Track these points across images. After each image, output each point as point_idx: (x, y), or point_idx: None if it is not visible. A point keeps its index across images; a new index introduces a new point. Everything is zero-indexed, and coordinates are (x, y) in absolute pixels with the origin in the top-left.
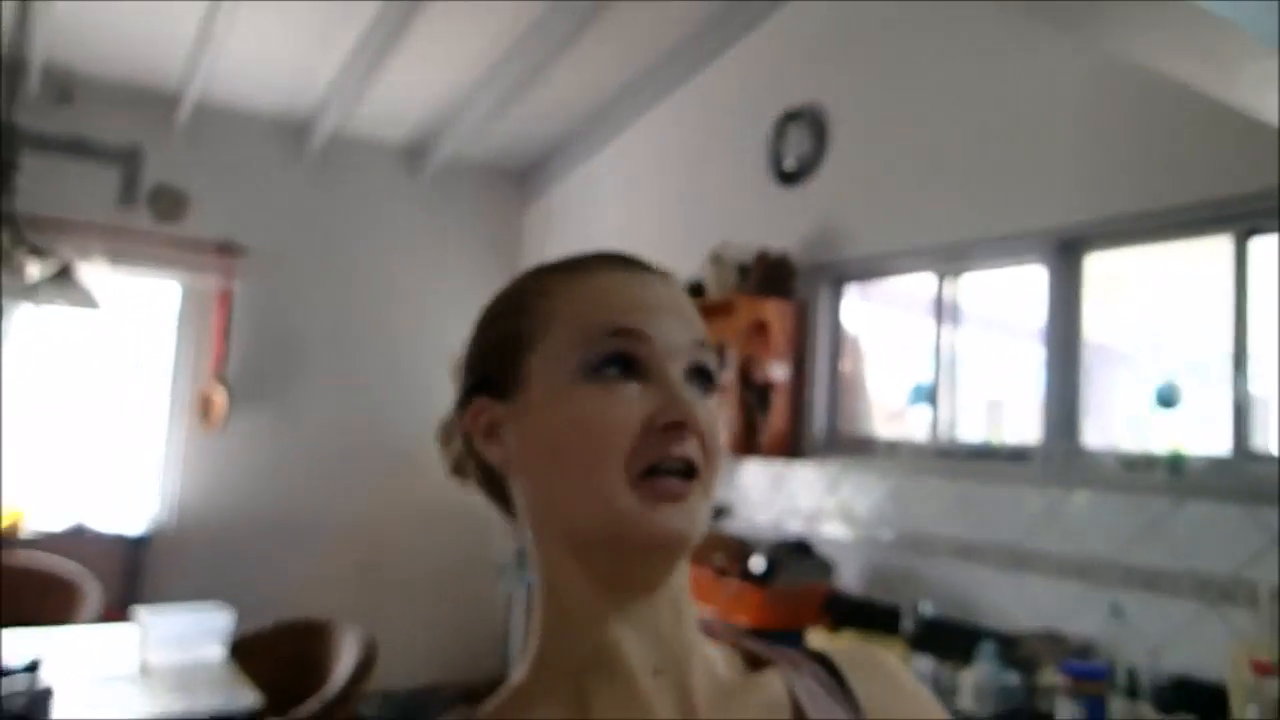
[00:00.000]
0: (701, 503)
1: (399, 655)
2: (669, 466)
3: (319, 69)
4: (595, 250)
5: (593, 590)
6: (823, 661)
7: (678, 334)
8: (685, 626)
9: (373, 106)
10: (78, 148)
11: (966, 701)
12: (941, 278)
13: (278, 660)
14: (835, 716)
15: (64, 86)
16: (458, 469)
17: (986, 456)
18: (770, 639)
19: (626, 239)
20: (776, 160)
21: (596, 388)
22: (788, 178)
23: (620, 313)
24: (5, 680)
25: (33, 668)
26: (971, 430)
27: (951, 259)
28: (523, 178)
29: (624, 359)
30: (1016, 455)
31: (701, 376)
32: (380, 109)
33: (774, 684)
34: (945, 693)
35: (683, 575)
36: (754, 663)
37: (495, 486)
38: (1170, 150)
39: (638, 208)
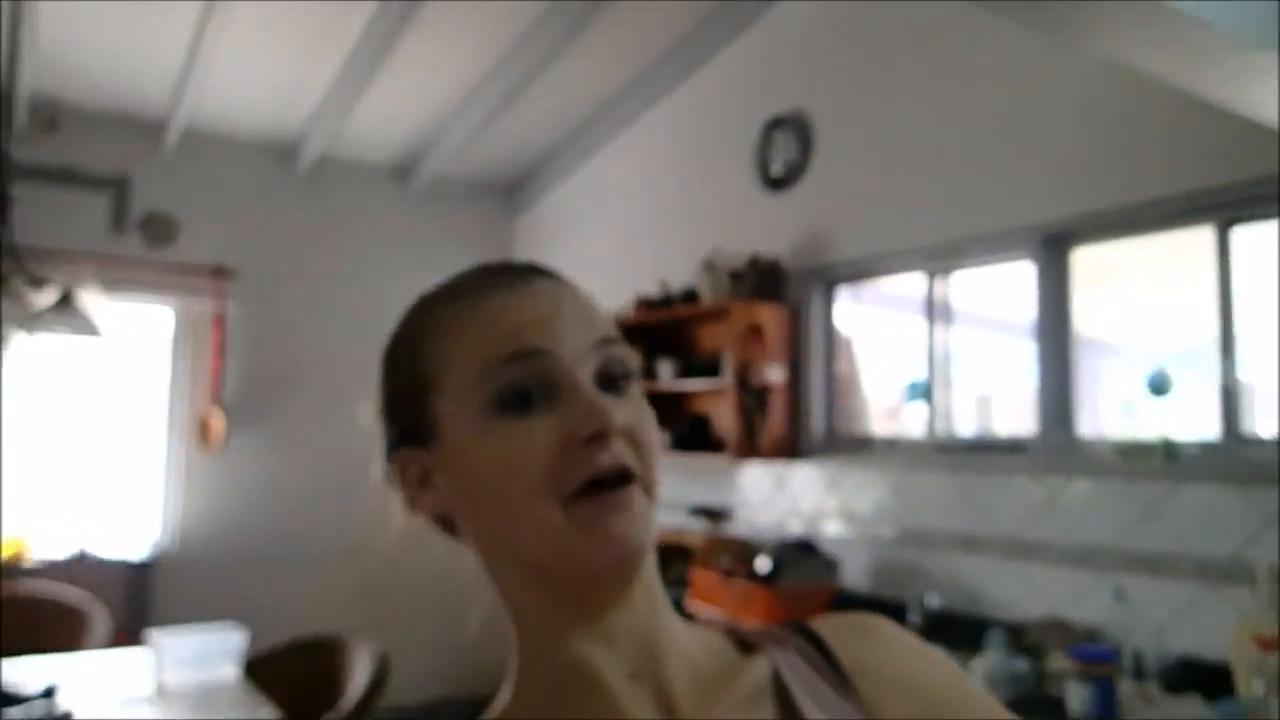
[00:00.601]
0: (644, 504)
1: (408, 670)
2: (601, 478)
3: (305, 90)
4: (477, 266)
5: (556, 611)
6: (809, 635)
7: (579, 338)
8: (659, 623)
9: (360, 126)
10: (67, 177)
11: None
12: (932, 276)
13: (291, 678)
14: (820, 691)
15: (51, 116)
16: (413, 505)
17: (984, 450)
18: None
19: (617, 249)
20: (764, 167)
21: (507, 420)
22: (776, 184)
23: (514, 336)
24: (23, 706)
25: (49, 693)
26: (967, 425)
27: (941, 258)
28: (511, 191)
29: (528, 382)
30: (1013, 447)
31: (616, 374)
32: (367, 128)
33: (759, 666)
34: None
35: (650, 570)
36: (745, 648)
37: (448, 522)
38: (1152, 144)
39: (627, 218)
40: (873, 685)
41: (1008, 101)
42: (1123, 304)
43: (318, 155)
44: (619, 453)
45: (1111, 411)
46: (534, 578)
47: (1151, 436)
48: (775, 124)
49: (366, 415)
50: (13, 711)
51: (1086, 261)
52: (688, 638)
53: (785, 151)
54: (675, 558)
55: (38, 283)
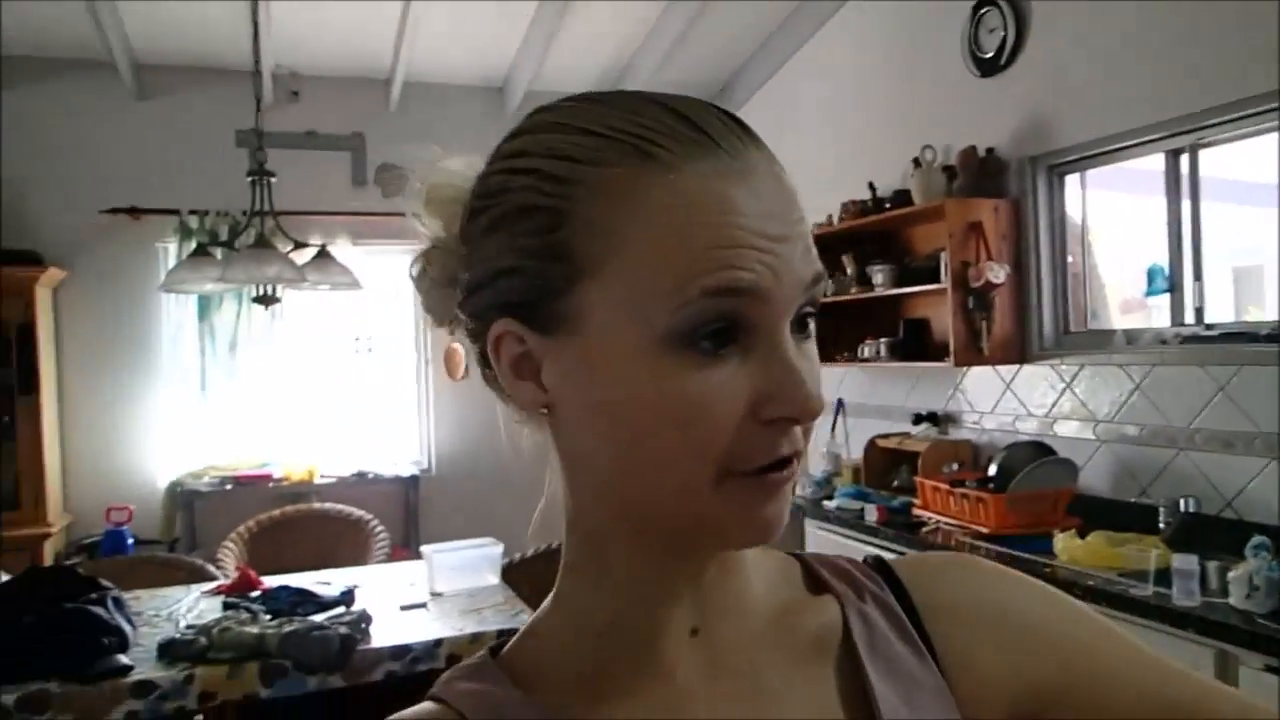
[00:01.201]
0: (795, 482)
1: None
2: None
3: (509, 30)
4: (656, 101)
5: (638, 561)
6: (891, 578)
7: (798, 272)
8: (732, 572)
9: (560, 59)
10: (310, 141)
11: (1238, 599)
12: (1174, 154)
13: (541, 582)
14: (893, 653)
15: (292, 86)
16: (498, 384)
17: (1242, 339)
18: (1012, 544)
19: (824, 154)
20: (975, 50)
21: (687, 360)
22: (989, 67)
23: (730, 258)
24: (329, 613)
25: (348, 594)
26: (1221, 312)
27: (1183, 132)
28: (714, 100)
29: (728, 321)
30: (1278, 334)
31: (808, 315)
32: (568, 60)
33: (827, 613)
34: (1212, 592)
35: None
36: (817, 584)
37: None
38: None
39: (832, 120)
40: (960, 629)
41: None
42: None
43: (524, 92)
44: (798, 436)
45: None
46: (632, 523)
47: None
48: (985, 1)
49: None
50: (319, 616)
51: None
52: (755, 578)
53: (998, 31)
54: (900, 465)
55: (297, 244)
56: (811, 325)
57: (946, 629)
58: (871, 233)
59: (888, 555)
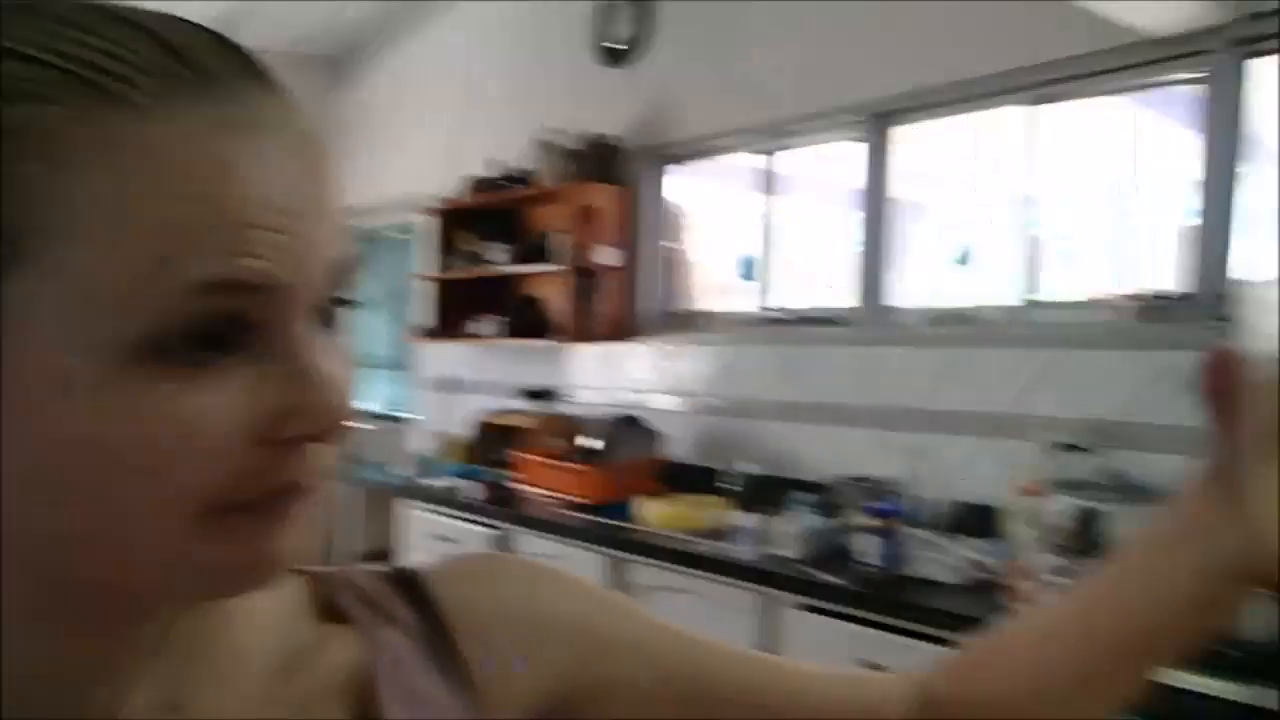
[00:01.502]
0: (318, 501)
1: None
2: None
3: None
4: (130, 12)
5: (72, 637)
6: (424, 596)
7: (322, 258)
8: (212, 627)
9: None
10: None
11: (785, 547)
12: (766, 154)
13: None
14: (415, 678)
15: None
16: None
17: (807, 322)
18: (605, 513)
19: (450, 129)
20: (602, 41)
21: (170, 378)
22: (616, 58)
23: (230, 242)
24: None
25: None
26: (795, 298)
27: (775, 136)
28: (332, 64)
29: (228, 323)
30: (834, 319)
31: (337, 303)
32: (168, 3)
33: (342, 648)
34: (765, 542)
35: None
36: (334, 613)
37: None
38: (972, 24)
39: (460, 95)
40: (487, 639)
41: None
42: (940, 179)
43: None
44: (319, 454)
45: (927, 283)
46: (66, 592)
47: (960, 304)
48: None
49: None
50: None
51: (909, 137)
52: (248, 623)
53: (624, 25)
54: (509, 441)
55: None
56: (340, 318)
57: (474, 642)
58: (492, 211)
59: (485, 534)
